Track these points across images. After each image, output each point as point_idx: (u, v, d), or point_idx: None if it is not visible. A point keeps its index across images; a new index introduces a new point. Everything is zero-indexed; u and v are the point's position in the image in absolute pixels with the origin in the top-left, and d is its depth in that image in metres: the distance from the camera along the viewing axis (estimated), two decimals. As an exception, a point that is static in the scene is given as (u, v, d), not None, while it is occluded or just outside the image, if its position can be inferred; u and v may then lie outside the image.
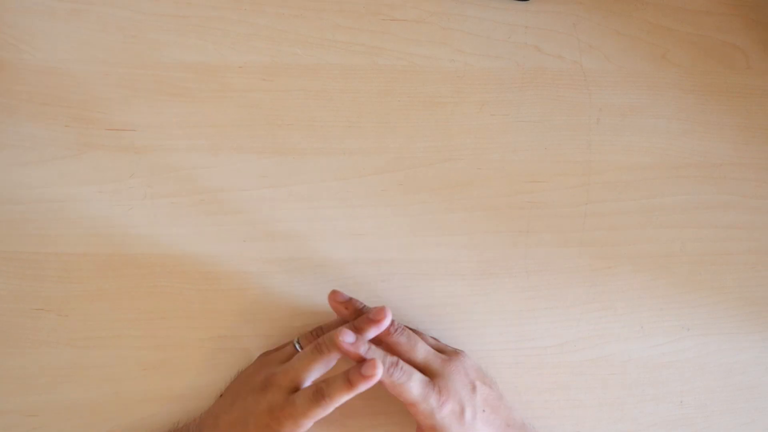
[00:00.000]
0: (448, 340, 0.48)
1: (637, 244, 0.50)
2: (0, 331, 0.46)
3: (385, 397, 0.46)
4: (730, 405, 0.48)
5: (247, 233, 0.48)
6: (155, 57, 0.49)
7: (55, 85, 0.49)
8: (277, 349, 0.46)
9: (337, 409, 0.44)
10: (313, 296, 0.48)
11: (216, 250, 0.48)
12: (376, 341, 0.42)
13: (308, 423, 0.39)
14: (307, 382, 0.41)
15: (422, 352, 0.43)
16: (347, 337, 0.40)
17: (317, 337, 0.44)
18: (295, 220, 0.48)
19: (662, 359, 0.49)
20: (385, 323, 0.42)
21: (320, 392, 0.39)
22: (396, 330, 0.43)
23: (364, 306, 0.45)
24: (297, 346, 0.44)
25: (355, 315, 0.44)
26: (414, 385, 0.40)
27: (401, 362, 0.41)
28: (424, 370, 0.42)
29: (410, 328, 0.46)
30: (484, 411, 0.42)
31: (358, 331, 0.42)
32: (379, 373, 0.38)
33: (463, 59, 0.51)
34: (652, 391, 0.48)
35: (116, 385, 0.46)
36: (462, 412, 0.41)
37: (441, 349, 0.45)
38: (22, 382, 0.46)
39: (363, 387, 0.39)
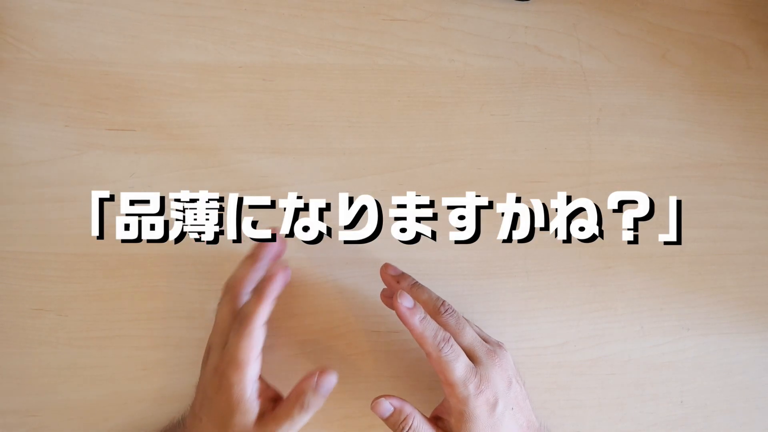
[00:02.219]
0: (448, 340, 0.48)
1: (637, 244, 0.50)
2: (0, 331, 0.46)
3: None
4: (730, 405, 0.48)
5: (247, 233, 0.48)
6: (155, 57, 0.49)
7: (55, 85, 0.49)
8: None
9: (337, 409, 0.44)
10: (313, 296, 0.48)
11: (216, 250, 0.48)
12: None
13: (247, 359, 0.39)
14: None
15: (469, 336, 0.42)
16: (406, 301, 0.40)
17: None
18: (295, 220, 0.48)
19: (662, 359, 0.49)
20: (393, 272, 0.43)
21: (239, 317, 0.39)
22: (447, 310, 0.42)
23: (416, 282, 0.44)
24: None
25: (408, 291, 0.44)
26: (459, 366, 0.40)
27: (453, 340, 0.40)
28: (468, 354, 0.41)
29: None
30: (512, 409, 0.41)
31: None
32: (283, 275, 0.39)
33: (463, 59, 0.51)
34: (652, 391, 0.48)
35: (116, 385, 0.46)
36: (495, 404, 0.40)
37: (485, 338, 0.44)
38: (22, 382, 0.46)
39: (272, 291, 0.39)
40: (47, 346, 0.47)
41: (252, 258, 0.43)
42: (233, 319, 0.41)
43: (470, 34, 0.51)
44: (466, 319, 0.45)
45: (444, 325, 0.42)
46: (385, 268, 0.45)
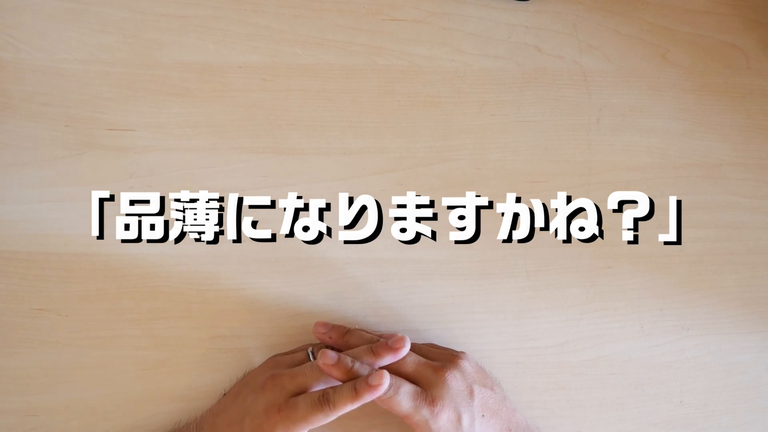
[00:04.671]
0: (448, 340, 0.48)
1: (637, 244, 0.50)
2: (0, 331, 0.46)
3: (385, 397, 0.46)
4: (730, 405, 0.48)
5: (247, 233, 0.48)
6: (155, 57, 0.49)
7: (55, 85, 0.49)
8: (287, 353, 0.46)
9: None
10: (313, 296, 0.48)
11: (216, 250, 0.48)
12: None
13: (303, 428, 0.39)
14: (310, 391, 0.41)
15: (411, 364, 0.42)
16: (329, 359, 0.40)
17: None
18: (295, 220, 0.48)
19: (662, 359, 0.49)
20: (403, 352, 0.41)
21: (326, 397, 0.39)
22: (380, 350, 0.42)
23: (348, 330, 0.45)
24: (310, 355, 0.44)
25: (341, 341, 0.44)
26: (402, 398, 0.40)
27: (397, 380, 0.41)
28: (416, 381, 0.41)
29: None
30: (483, 416, 0.41)
31: (375, 355, 0.42)
32: (386, 383, 0.38)
33: (463, 59, 0.51)
34: (652, 391, 0.48)
35: (116, 385, 0.46)
36: (459, 419, 0.40)
37: (437, 355, 0.44)
38: (22, 382, 0.46)
39: (368, 397, 0.38)
40: (47, 346, 0.46)
41: (377, 353, 0.42)
42: (321, 387, 0.41)
43: (470, 34, 0.51)
44: (414, 344, 0.45)
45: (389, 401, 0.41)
46: (316, 327, 0.45)
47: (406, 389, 0.40)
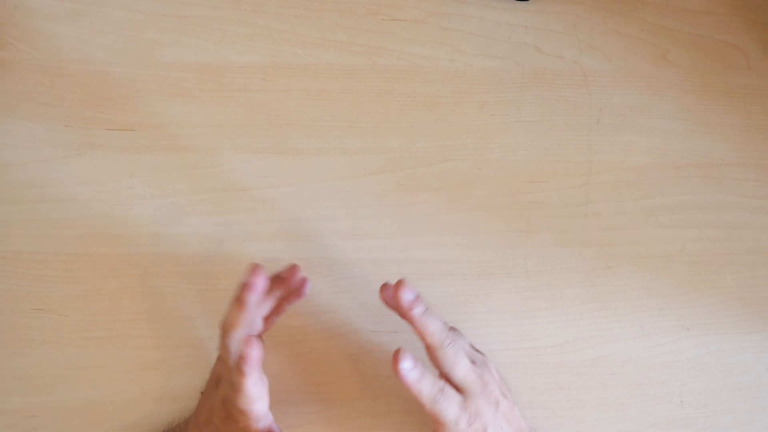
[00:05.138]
0: (448, 340, 0.48)
1: (637, 244, 0.50)
2: (0, 331, 0.46)
3: (385, 398, 0.46)
4: (730, 405, 0.48)
5: (247, 233, 0.48)
6: (155, 57, 0.49)
7: (55, 85, 0.49)
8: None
9: (337, 409, 0.44)
10: (312, 296, 0.48)
11: (216, 250, 0.48)
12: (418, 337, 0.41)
13: (250, 401, 0.38)
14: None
15: (463, 369, 0.41)
16: (406, 362, 0.39)
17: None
18: (295, 220, 0.48)
19: (662, 359, 0.49)
20: (406, 296, 0.40)
21: (221, 328, 0.39)
22: (449, 342, 0.41)
23: (427, 309, 0.42)
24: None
25: (272, 280, 0.43)
26: (452, 408, 0.39)
27: (446, 388, 0.40)
28: (460, 387, 0.41)
29: (451, 328, 0.44)
30: (501, 427, 0.41)
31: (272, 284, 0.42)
32: (259, 279, 0.38)
33: (463, 59, 0.51)
34: (652, 391, 0.48)
35: (116, 385, 0.46)
36: (485, 431, 0.40)
37: (472, 358, 0.43)
38: (22, 382, 0.46)
39: (248, 295, 0.38)
40: (47, 346, 0.46)
41: (239, 302, 0.40)
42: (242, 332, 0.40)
43: (470, 34, 0.51)
44: (460, 334, 0.44)
45: (443, 359, 0.41)
46: (399, 288, 0.41)
47: (457, 401, 0.40)
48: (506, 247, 0.49)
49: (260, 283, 0.39)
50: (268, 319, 0.44)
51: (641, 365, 0.48)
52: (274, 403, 0.46)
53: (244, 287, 0.39)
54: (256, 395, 0.38)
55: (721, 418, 0.48)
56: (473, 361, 0.43)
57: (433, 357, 0.41)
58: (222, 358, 0.41)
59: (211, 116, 0.49)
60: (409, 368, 0.39)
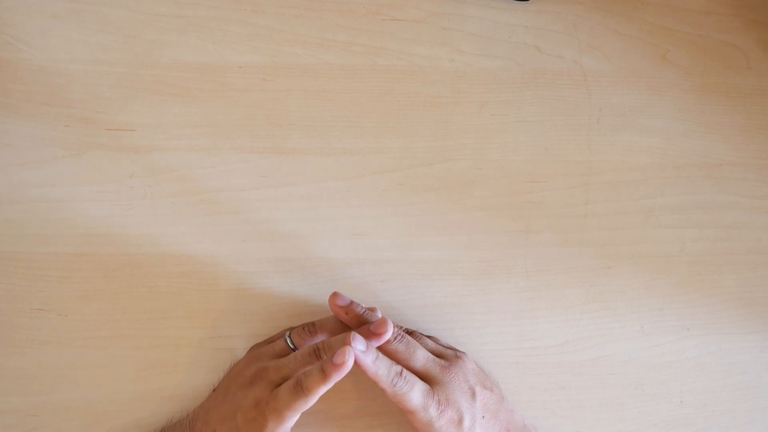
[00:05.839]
0: (449, 340, 0.48)
1: (637, 244, 0.50)
2: (0, 331, 0.46)
3: (385, 398, 0.46)
4: (730, 405, 0.48)
5: (247, 233, 0.48)
6: (155, 57, 0.49)
7: (55, 85, 0.49)
8: (267, 342, 0.46)
9: (336, 409, 0.44)
10: (312, 296, 0.48)
11: (216, 250, 0.48)
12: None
13: (291, 416, 0.39)
14: None
15: (421, 359, 0.42)
16: (359, 344, 0.40)
17: (309, 333, 0.44)
18: (295, 220, 0.48)
19: (662, 359, 0.49)
20: (386, 336, 0.41)
21: (299, 384, 0.39)
22: (395, 337, 0.43)
23: (365, 311, 0.44)
24: (288, 340, 0.44)
25: (355, 320, 0.44)
26: (415, 394, 0.40)
27: (405, 372, 0.41)
28: (423, 377, 0.42)
29: (409, 330, 0.46)
30: (483, 417, 0.42)
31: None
32: (350, 362, 0.38)
33: (463, 59, 0.51)
34: (652, 391, 0.48)
35: (116, 385, 0.46)
36: (461, 420, 0.41)
37: (440, 353, 0.44)
38: (22, 382, 0.46)
39: (337, 377, 0.38)
40: (47, 346, 0.46)
41: (322, 372, 0.40)
42: (294, 372, 0.41)
43: (470, 34, 0.51)
44: (418, 335, 0.45)
45: (394, 353, 0.42)
46: (334, 297, 0.44)
47: (419, 387, 0.40)
48: (506, 247, 0.49)
49: (348, 366, 0.39)
50: None
51: (641, 365, 0.48)
52: (274, 403, 0.46)
53: (335, 368, 0.38)
54: (302, 408, 0.39)
55: (721, 418, 0.48)
56: (440, 356, 0.44)
57: (389, 397, 0.41)
58: (285, 363, 0.41)
59: (211, 116, 0.49)
60: (362, 350, 0.40)
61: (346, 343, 0.40)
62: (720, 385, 0.49)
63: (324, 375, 0.38)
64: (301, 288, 0.48)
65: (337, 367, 0.38)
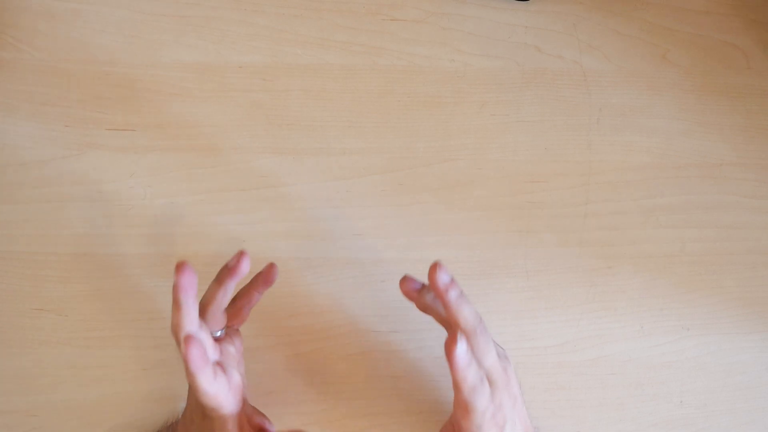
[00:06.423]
0: (448, 340, 0.48)
1: (637, 244, 0.50)
2: (0, 331, 0.46)
3: (385, 398, 0.46)
4: (730, 405, 0.48)
5: (247, 233, 0.48)
6: (155, 57, 0.49)
7: (55, 85, 0.49)
8: None
9: (336, 409, 0.44)
10: (313, 296, 0.48)
11: (216, 250, 0.48)
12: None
13: (208, 396, 0.37)
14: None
15: (492, 358, 0.40)
16: (447, 280, 0.39)
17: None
18: (294, 220, 0.48)
19: (662, 359, 0.49)
20: (442, 279, 0.39)
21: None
22: (482, 331, 0.40)
23: (461, 292, 0.41)
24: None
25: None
26: (483, 398, 0.39)
27: (485, 379, 0.39)
28: (488, 374, 0.40)
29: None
30: (515, 424, 0.41)
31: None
32: (186, 276, 0.36)
33: (463, 59, 0.51)
34: (652, 391, 0.48)
35: (116, 385, 0.46)
36: (503, 426, 0.40)
37: (498, 352, 0.42)
38: (22, 382, 0.46)
39: (184, 298, 0.36)
40: (47, 346, 0.46)
41: (175, 305, 0.38)
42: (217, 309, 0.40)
43: (470, 34, 0.51)
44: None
45: (474, 347, 0.40)
46: (405, 281, 0.42)
47: (487, 391, 0.39)
48: (506, 247, 0.49)
49: (187, 282, 0.36)
50: (238, 311, 0.43)
51: (641, 365, 0.48)
52: (275, 404, 0.46)
53: (174, 290, 0.36)
54: (214, 391, 0.37)
55: (721, 418, 0.48)
56: (498, 355, 0.42)
57: (458, 394, 0.39)
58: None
59: (211, 116, 0.49)
60: (464, 352, 0.38)
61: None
62: (720, 385, 0.49)
63: (174, 305, 0.36)
64: (301, 288, 0.48)
65: (175, 289, 0.36)
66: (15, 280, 0.47)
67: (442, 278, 0.39)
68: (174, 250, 0.48)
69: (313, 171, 0.49)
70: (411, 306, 0.48)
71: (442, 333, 0.48)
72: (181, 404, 0.46)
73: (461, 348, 0.38)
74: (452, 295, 0.39)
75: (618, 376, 0.48)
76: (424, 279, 0.48)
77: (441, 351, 0.45)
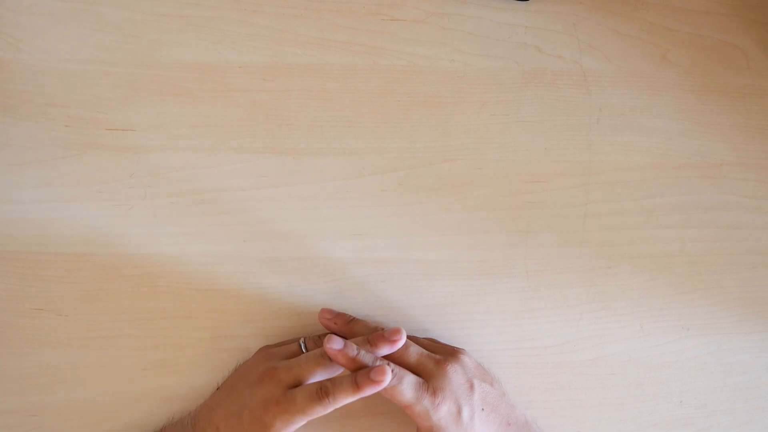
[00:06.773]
0: (448, 340, 0.48)
1: (637, 244, 0.50)
2: (0, 331, 0.46)
3: (384, 398, 0.46)
4: (730, 405, 0.48)
5: (247, 233, 0.48)
6: (155, 57, 0.49)
7: (55, 85, 0.49)
8: (279, 345, 0.46)
9: (336, 409, 0.44)
10: (312, 296, 0.48)
11: (216, 250, 0.48)
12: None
13: (302, 420, 0.39)
14: (307, 383, 0.41)
15: (414, 354, 0.42)
16: (334, 344, 0.40)
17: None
18: (295, 220, 0.48)
19: (662, 359, 0.49)
20: (399, 344, 0.42)
21: (324, 390, 0.39)
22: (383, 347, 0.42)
23: (352, 318, 0.45)
24: (303, 346, 0.44)
25: (345, 328, 0.45)
26: (406, 387, 0.40)
27: (392, 365, 0.41)
28: (418, 372, 0.42)
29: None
30: (483, 410, 0.42)
31: (372, 346, 0.42)
32: (388, 378, 0.38)
33: (463, 59, 0.51)
34: (652, 391, 0.48)
35: (116, 385, 0.46)
36: (459, 412, 0.41)
37: (437, 350, 0.44)
38: (22, 382, 0.46)
39: (369, 391, 0.38)
40: (47, 346, 0.47)
41: (373, 344, 0.42)
42: (318, 377, 0.41)
43: (470, 34, 0.51)
44: (413, 337, 0.45)
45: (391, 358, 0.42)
46: (322, 313, 0.46)
47: (409, 380, 0.40)
48: (506, 247, 0.49)
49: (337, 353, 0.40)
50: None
51: (641, 365, 0.48)
52: (274, 403, 0.46)
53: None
54: (317, 414, 0.39)
55: (721, 418, 0.48)
56: (436, 352, 0.44)
57: (382, 394, 0.41)
58: (297, 368, 0.41)
59: (211, 116, 0.49)
60: (339, 346, 0.40)
61: (372, 345, 0.41)
62: (720, 385, 0.49)
63: (356, 386, 0.39)
64: (301, 288, 0.48)
65: (373, 383, 0.38)
66: (15, 280, 0.47)
67: (327, 315, 0.46)
68: (174, 250, 0.48)
69: (313, 171, 0.49)
70: (411, 306, 0.48)
71: (442, 333, 0.48)
72: (181, 404, 0.46)
73: (332, 344, 0.40)
74: (340, 323, 0.45)
75: (618, 376, 0.48)
76: (428, 278, 0.48)
77: (441, 351, 0.46)
